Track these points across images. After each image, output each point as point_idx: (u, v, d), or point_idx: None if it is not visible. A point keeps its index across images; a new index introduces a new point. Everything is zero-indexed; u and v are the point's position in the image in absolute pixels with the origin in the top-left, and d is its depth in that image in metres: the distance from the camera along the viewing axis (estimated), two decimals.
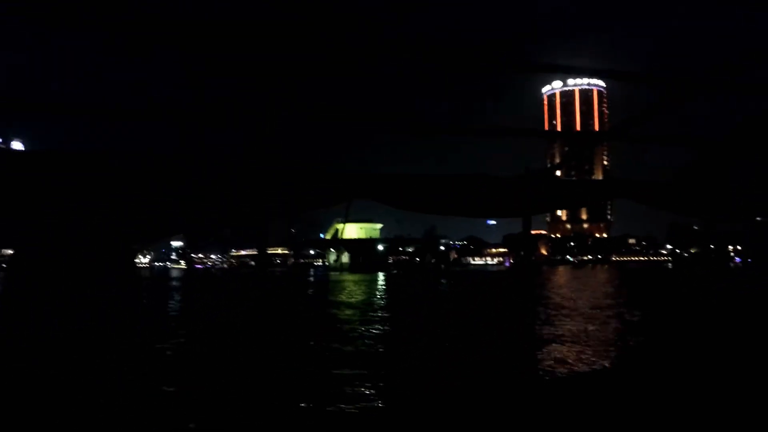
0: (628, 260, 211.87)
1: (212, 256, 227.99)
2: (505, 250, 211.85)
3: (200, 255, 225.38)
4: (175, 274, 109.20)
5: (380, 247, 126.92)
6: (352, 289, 39.01)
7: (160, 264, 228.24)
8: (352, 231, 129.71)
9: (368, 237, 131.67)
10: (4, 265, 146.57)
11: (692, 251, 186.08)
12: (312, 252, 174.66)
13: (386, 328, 16.42)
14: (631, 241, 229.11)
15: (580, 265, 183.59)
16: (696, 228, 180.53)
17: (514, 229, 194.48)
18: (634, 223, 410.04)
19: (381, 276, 70.57)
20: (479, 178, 18.53)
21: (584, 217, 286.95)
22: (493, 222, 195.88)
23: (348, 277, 69.77)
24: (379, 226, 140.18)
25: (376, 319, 19.75)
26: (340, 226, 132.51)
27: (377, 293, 34.43)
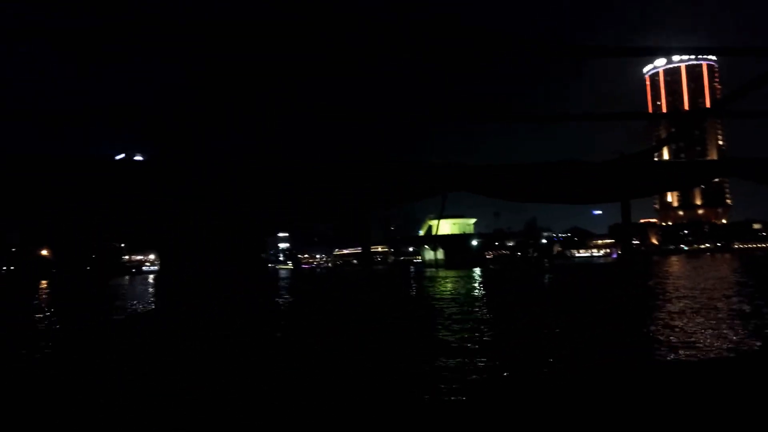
0: (753, 248, 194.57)
1: (317, 256, 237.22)
2: (612, 240, 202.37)
3: (306, 255, 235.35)
4: (283, 274, 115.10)
5: (474, 243, 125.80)
6: (442, 287, 38.96)
7: (269, 265, 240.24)
8: (445, 227, 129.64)
9: (462, 232, 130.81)
10: (143, 268, 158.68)
11: None
12: (411, 249, 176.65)
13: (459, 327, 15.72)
14: (757, 226, 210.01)
15: (695, 253, 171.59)
16: None
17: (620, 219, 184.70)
18: (759, 207, 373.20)
19: (477, 272, 69.99)
20: (574, 164, 18.71)
21: (698, 202, 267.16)
22: (598, 212, 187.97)
23: (442, 273, 69.48)
24: (472, 221, 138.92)
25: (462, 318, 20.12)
26: (433, 222, 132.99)
27: (467, 290, 34.15)
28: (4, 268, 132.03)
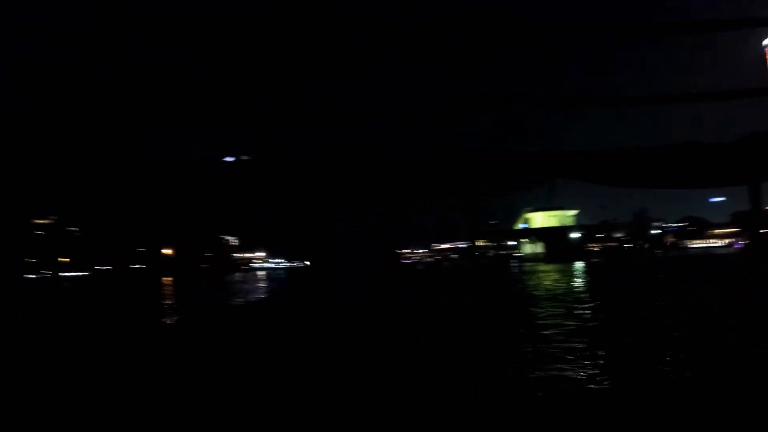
0: None
1: (416, 251, 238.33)
2: (735, 229, 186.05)
3: (406, 250, 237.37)
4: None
5: (574, 235, 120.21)
6: (530, 283, 37.46)
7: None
8: (545, 220, 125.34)
9: (561, 225, 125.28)
10: (251, 264, 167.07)
11: None
12: (512, 243, 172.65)
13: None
14: None
15: None
16: None
17: (746, 206, 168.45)
18: None
19: (578, 266, 66.71)
20: (693, 146, 17.49)
21: None
22: (718, 199, 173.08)
23: (540, 268, 66.93)
24: (572, 212, 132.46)
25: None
26: (530, 215, 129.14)
27: (554, 287, 32.32)
28: (136, 266, 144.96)
